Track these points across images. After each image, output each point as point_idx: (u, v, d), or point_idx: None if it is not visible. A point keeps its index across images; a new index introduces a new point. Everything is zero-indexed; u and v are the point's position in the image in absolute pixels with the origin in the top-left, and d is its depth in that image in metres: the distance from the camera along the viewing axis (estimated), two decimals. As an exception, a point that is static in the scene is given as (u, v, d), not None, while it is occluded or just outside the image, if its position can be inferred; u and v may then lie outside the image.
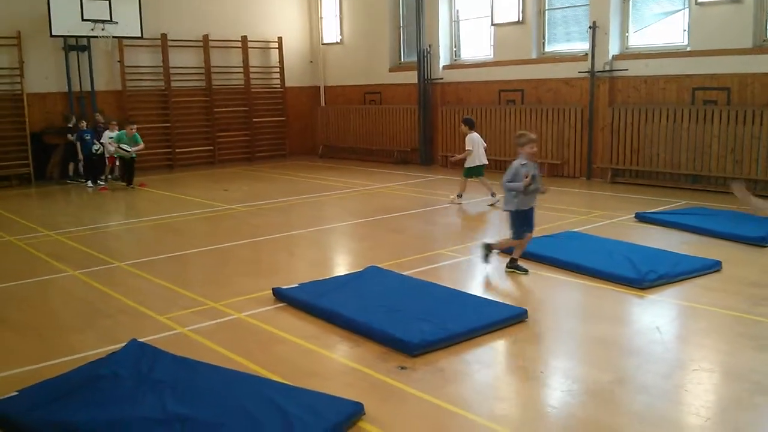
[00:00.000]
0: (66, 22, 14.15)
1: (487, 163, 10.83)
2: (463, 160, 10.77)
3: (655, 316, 5.48)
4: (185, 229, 9.54)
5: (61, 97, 15.08)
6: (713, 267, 6.60)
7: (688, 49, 11.44)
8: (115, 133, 13.78)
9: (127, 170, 13.53)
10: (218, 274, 7.16)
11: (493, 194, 10.45)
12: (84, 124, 14.01)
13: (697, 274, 6.43)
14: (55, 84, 15.01)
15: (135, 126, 13.45)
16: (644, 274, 6.16)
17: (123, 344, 4.86)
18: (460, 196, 10.76)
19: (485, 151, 10.84)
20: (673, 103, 11.58)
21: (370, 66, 17.31)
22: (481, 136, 11.00)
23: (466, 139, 10.72)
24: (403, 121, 16.35)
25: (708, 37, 11.04)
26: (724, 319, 5.35)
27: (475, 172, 10.73)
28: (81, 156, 14.16)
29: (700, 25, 11.17)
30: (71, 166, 14.56)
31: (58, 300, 6.47)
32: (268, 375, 4.47)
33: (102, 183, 13.80)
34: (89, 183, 13.72)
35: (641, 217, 8.98)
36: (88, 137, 13.77)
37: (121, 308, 6.04)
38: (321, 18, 18.61)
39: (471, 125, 10.83)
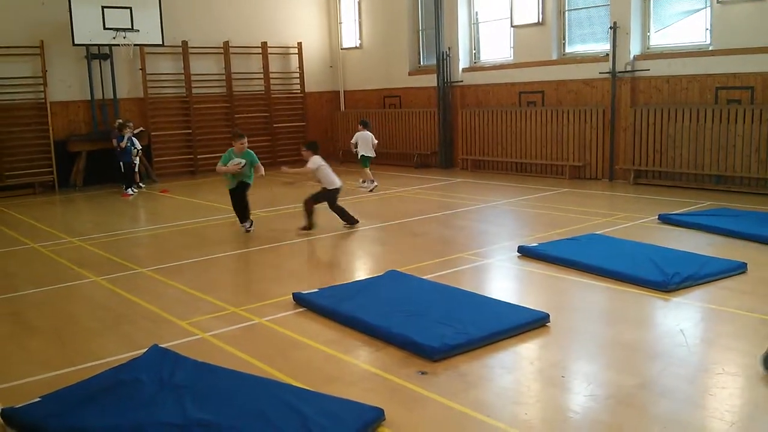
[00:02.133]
0: (88, 31, 14.31)
1: (374, 155, 13.27)
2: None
3: (680, 319, 5.40)
4: (207, 234, 9.58)
5: (84, 105, 15.25)
6: (739, 269, 6.51)
7: (711, 48, 11.31)
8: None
9: (239, 203, 9.39)
10: (239, 279, 7.19)
11: (363, 181, 13.16)
12: (127, 130, 13.92)
13: (722, 276, 6.34)
14: (78, 92, 15.19)
15: (245, 139, 9.29)
16: (669, 277, 6.08)
17: (144, 350, 4.89)
18: (372, 182, 12.98)
19: (374, 146, 13.22)
20: (695, 103, 11.45)
21: (390, 70, 17.32)
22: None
23: (356, 135, 13.35)
24: (422, 125, 16.33)
25: (730, 36, 10.91)
26: (749, 321, 5.26)
27: (367, 160, 13.18)
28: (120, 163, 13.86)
29: (723, 24, 11.04)
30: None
31: (80, 306, 6.52)
32: (288, 380, 4.47)
33: (134, 191, 13.82)
34: (129, 191, 13.70)
35: (665, 219, 8.88)
36: (129, 144, 13.81)
37: (142, 314, 6.08)
38: (340, 23, 18.66)
39: (364, 125, 13.51)
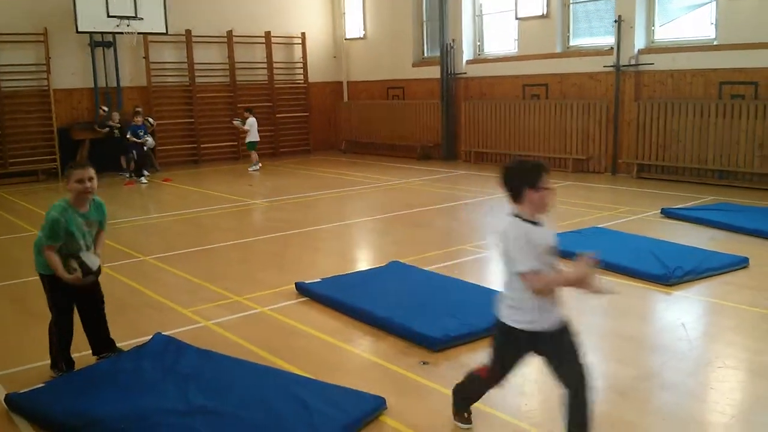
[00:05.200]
0: (92, 19, 14.30)
1: (258, 139, 15.22)
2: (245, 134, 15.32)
3: (681, 313, 5.42)
4: (210, 223, 9.60)
5: (87, 92, 15.24)
6: (740, 263, 6.51)
7: (716, 42, 11.28)
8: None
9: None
10: (242, 268, 7.20)
11: (255, 164, 15.05)
12: (140, 119, 13.94)
13: (724, 270, 6.35)
14: (81, 80, 15.18)
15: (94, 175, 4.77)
16: (671, 271, 6.09)
17: (148, 337, 4.91)
18: (257, 164, 15.03)
19: (258, 131, 15.19)
20: (700, 98, 11.43)
21: (393, 61, 17.29)
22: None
23: (247, 122, 15.08)
24: (426, 117, 16.31)
25: (736, 31, 10.88)
26: (751, 316, 5.28)
27: (254, 145, 15.07)
28: (133, 151, 13.98)
29: (728, 19, 11.00)
30: (123, 160, 14.64)
31: (84, 293, 6.52)
32: (290, 369, 4.49)
33: (143, 180, 13.84)
34: (142, 179, 13.75)
35: (667, 213, 8.89)
36: (141, 132, 13.81)
37: (146, 302, 6.10)
38: (344, 13, 18.61)
39: (251, 112, 15.31)
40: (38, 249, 4.48)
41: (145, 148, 13.96)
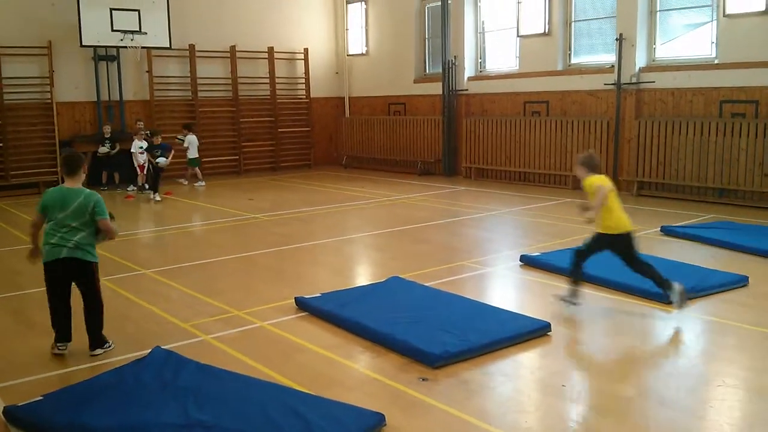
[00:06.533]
0: (96, 33, 14.38)
1: (198, 156, 15.11)
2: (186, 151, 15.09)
3: (681, 331, 5.41)
4: (210, 237, 9.61)
5: (90, 106, 15.31)
6: (740, 282, 6.52)
7: (716, 61, 11.33)
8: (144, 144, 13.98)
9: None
10: (242, 283, 7.21)
11: (199, 180, 15.17)
12: (158, 139, 13.80)
13: (723, 289, 6.35)
14: (85, 93, 15.24)
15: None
16: (670, 289, 6.09)
17: (147, 351, 4.91)
18: (199, 178, 15.16)
19: (198, 148, 15.09)
20: (700, 116, 11.47)
21: (395, 77, 17.37)
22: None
23: (186, 139, 14.87)
24: (427, 132, 16.36)
25: (736, 50, 10.94)
26: (750, 334, 5.27)
27: (196, 162, 15.06)
28: (146, 168, 14.01)
29: (728, 38, 11.07)
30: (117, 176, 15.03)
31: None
32: (289, 384, 4.48)
33: (134, 191, 13.84)
34: (151, 194, 13.68)
35: (667, 231, 8.89)
36: (158, 153, 13.75)
37: (145, 315, 6.10)
38: (347, 29, 18.72)
39: (189, 128, 15.06)
40: (90, 243, 5.33)
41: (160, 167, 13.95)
